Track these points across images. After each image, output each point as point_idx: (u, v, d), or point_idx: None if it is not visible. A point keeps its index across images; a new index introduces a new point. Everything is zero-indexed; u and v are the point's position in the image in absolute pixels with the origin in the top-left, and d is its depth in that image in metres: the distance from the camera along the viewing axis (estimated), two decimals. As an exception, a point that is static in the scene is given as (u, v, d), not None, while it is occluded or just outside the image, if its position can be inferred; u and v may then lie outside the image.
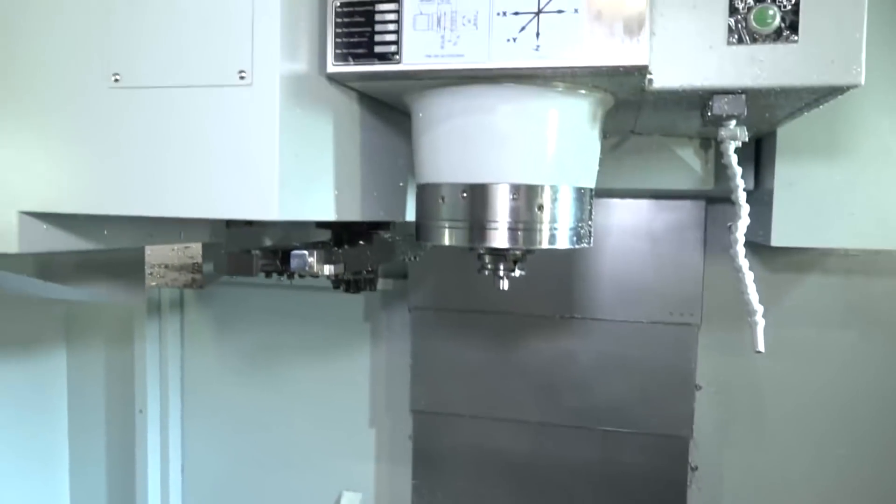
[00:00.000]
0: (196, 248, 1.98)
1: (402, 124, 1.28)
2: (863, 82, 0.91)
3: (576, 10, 0.88)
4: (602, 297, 1.91)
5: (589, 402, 1.93)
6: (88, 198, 0.94)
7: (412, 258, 1.51)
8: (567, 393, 1.95)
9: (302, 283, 2.16)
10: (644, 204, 1.86)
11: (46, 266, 1.28)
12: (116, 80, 0.92)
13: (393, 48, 0.93)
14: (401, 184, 1.33)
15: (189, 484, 2.42)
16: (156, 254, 1.93)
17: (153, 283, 1.89)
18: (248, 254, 1.04)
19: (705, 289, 1.86)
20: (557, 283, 1.92)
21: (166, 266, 1.94)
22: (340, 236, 1.35)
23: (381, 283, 2.11)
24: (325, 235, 1.46)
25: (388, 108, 1.22)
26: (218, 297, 2.30)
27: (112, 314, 2.33)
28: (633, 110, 1.21)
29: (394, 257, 1.40)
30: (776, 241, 1.46)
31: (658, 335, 1.88)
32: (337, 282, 1.35)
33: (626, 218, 1.88)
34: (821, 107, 1.09)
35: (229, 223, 1.50)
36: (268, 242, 1.98)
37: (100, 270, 1.42)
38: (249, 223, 1.53)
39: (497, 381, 1.99)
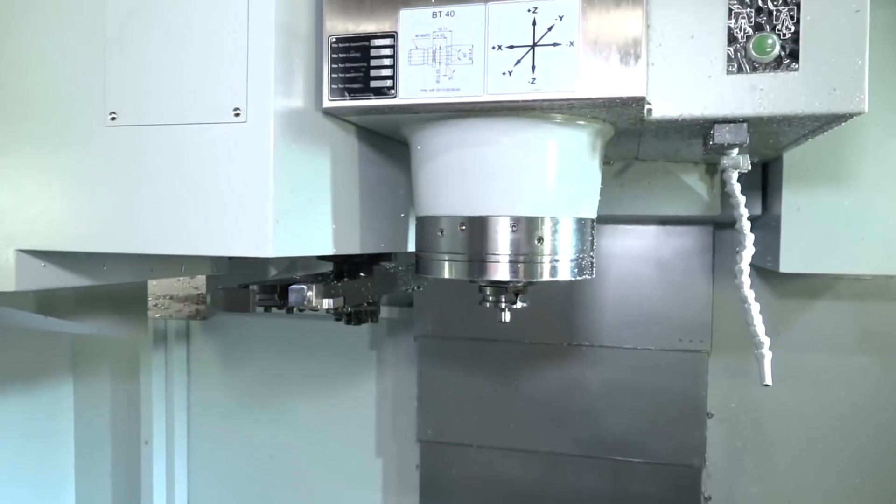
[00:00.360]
0: (201, 279, 1.98)
1: (402, 155, 1.27)
2: (866, 109, 0.90)
3: (571, 43, 0.87)
4: (610, 324, 1.88)
5: (598, 431, 1.90)
6: (85, 236, 0.93)
7: (415, 288, 1.49)
8: (576, 422, 1.92)
9: (307, 314, 2.16)
10: (651, 230, 1.84)
11: (47, 301, 1.28)
12: (113, 119, 0.93)
13: (389, 83, 0.93)
14: (402, 215, 1.32)
15: (195, 517, 2.40)
16: (160, 285, 1.93)
17: (158, 315, 1.89)
18: (244, 289, 1.03)
19: (715, 314, 1.83)
20: (565, 310, 1.90)
21: (171, 297, 1.94)
22: (342, 268, 1.34)
23: (386, 312, 2.10)
24: (330, 266, 1.45)
25: (388, 140, 1.21)
26: (223, 327, 2.29)
27: (118, 346, 2.33)
28: (635, 138, 1.20)
29: (396, 288, 1.39)
30: (785, 267, 1.43)
31: (667, 362, 1.85)
32: (338, 314, 1.33)
33: (634, 244, 1.86)
34: (826, 132, 1.08)
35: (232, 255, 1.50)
36: (273, 273, 1.98)
37: (101, 303, 1.41)
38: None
39: (505, 410, 1.97)
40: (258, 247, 0.87)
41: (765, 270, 1.65)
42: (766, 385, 0.99)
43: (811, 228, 1.43)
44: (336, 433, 2.22)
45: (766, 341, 1.00)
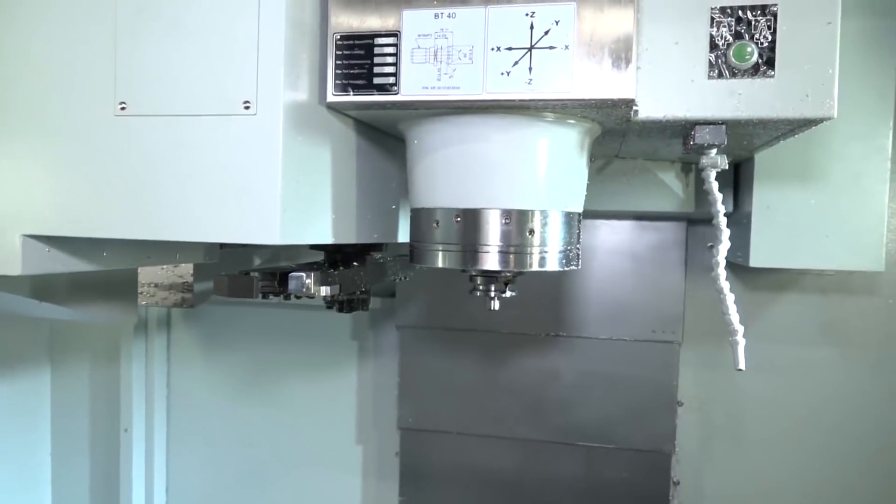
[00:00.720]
0: (185, 267, 2.00)
1: (396, 150, 1.32)
2: (835, 115, 0.97)
3: (566, 47, 0.92)
4: (587, 316, 1.95)
5: (574, 419, 1.97)
6: (96, 222, 0.96)
7: (403, 278, 1.54)
8: (552, 410, 1.98)
9: (289, 303, 2.18)
10: (627, 225, 1.91)
11: (42, 286, 1.30)
12: (123, 109, 0.95)
13: (391, 80, 0.97)
14: (393, 206, 1.37)
15: (174, 502, 2.42)
16: (145, 273, 1.94)
17: (143, 303, 1.90)
18: (247, 276, 1.06)
19: (686, 307, 1.91)
20: (543, 302, 1.96)
21: (155, 285, 1.96)
22: (334, 257, 1.38)
23: (379, 302, 2.14)
24: (315, 256, 1.49)
25: (382, 135, 1.26)
26: (205, 316, 2.31)
27: (97, 332, 2.33)
28: (619, 137, 1.26)
29: (385, 278, 1.44)
30: (755, 262, 1.51)
31: (641, 353, 1.92)
32: (331, 302, 1.37)
33: (610, 238, 1.92)
34: (797, 135, 1.15)
35: (223, 244, 1.53)
36: (256, 262, 2.01)
37: (93, 290, 1.43)
38: (244, 244, 1.55)
39: (484, 399, 2.02)
40: (267, 234, 0.91)
41: (735, 265, 1.73)
42: (740, 370, 1.06)
43: (779, 225, 1.51)
44: (317, 421, 2.26)
45: (741, 329, 1.07)
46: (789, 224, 1.51)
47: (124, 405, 2.29)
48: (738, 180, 1.67)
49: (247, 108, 0.91)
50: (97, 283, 1.44)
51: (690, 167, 1.67)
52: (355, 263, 1.30)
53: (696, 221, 1.89)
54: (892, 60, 1.47)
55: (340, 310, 1.37)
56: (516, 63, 0.93)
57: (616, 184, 1.67)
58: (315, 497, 2.28)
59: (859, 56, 1.40)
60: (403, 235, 1.39)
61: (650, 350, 1.92)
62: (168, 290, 1.91)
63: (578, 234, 1.14)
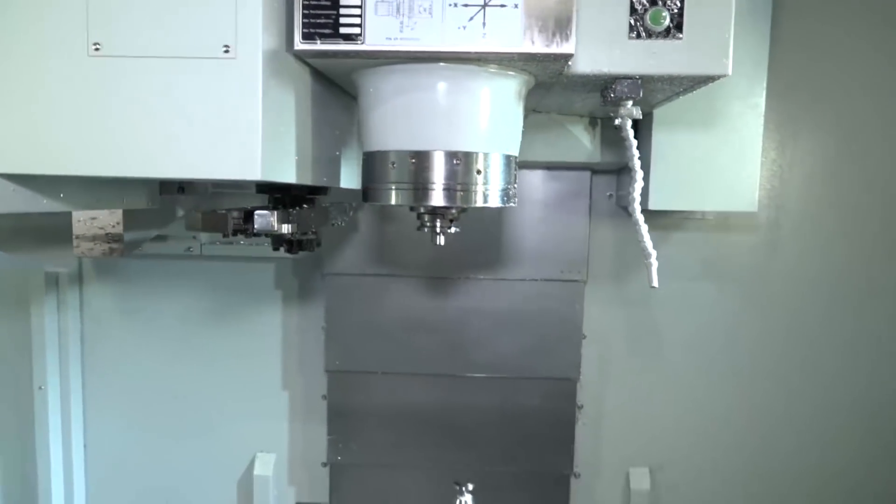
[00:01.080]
0: (106, 219, 1.98)
1: (341, 98, 1.41)
2: (730, 72, 1.17)
3: (515, 6, 1.05)
4: (501, 259, 2.12)
5: (490, 354, 2.15)
6: (75, 159, 1.00)
7: (340, 223, 1.63)
8: (470, 346, 2.16)
9: (209, 253, 2.22)
10: (539, 174, 2.09)
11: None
12: (97, 49, 0.99)
13: (357, 30, 1.06)
14: (336, 153, 1.46)
15: (93, 461, 2.40)
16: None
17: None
18: (222, 213, 1.13)
19: (591, 249, 2.13)
20: (461, 247, 2.10)
21: (77, 237, 1.93)
22: (278, 201, 1.45)
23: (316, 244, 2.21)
24: (250, 202, 1.55)
25: (330, 84, 1.34)
26: (119, 270, 2.29)
27: (5, 285, 2.25)
28: (544, 91, 1.41)
29: (329, 222, 1.53)
30: (653, 205, 1.73)
31: (550, 291, 2.13)
32: (278, 242, 1.45)
33: (523, 187, 2.09)
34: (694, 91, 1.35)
35: (162, 190, 1.56)
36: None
37: (32, 236, 1.43)
38: (181, 189, 1.59)
39: (407, 340, 2.16)
40: (249, 170, 0.99)
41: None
42: (654, 287, 1.26)
43: (672, 173, 1.74)
44: (242, 369, 2.31)
45: (653, 253, 1.27)
46: (680, 172, 1.74)
47: (37, 362, 2.24)
48: (637, 132, 1.87)
49: (226, 51, 0.98)
50: (34, 230, 1.44)
51: (597, 122, 1.86)
52: (304, 206, 1.38)
53: (599, 172, 2.09)
54: (765, 30, 1.72)
55: (289, 250, 1.44)
56: (472, 18, 1.05)
57: (531, 136, 1.83)
58: (243, 444, 2.34)
59: (739, 25, 1.61)
60: (345, 181, 1.49)
61: (558, 289, 2.13)
62: (92, 241, 1.89)
63: (515, 176, 1.29)
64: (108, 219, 1.95)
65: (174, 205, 2.03)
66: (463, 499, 1.01)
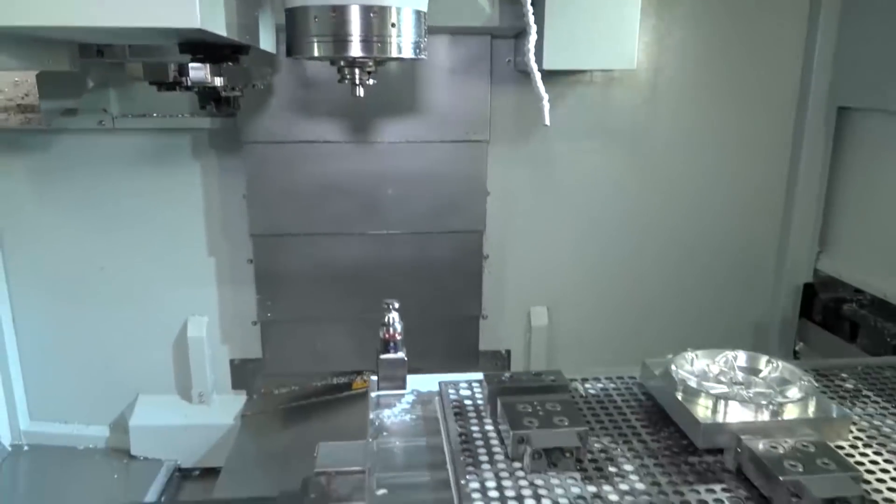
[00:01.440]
0: (14, 91, 1.99)
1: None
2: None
3: None
4: (411, 124, 2.28)
5: (403, 212, 2.35)
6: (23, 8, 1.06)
7: (261, 85, 1.73)
8: (385, 206, 2.34)
9: (123, 126, 2.25)
10: (444, 41, 2.22)
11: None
12: None
13: None
14: (256, 14, 1.54)
15: (24, 337, 2.47)
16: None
17: (-18, 125, 1.88)
18: (162, 64, 1.22)
19: (493, 113, 2.31)
20: (371, 113, 2.25)
21: (-13, 108, 1.93)
22: (202, 60, 1.53)
23: (208, 122, 2.28)
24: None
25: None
26: (33, 145, 2.28)
27: None
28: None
29: (251, 82, 1.63)
30: (547, 65, 1.91)
31: (456, 152, 2.32)
32: (206, 99, 1.54)
33: (429, 53, 2.22)
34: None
35: (82, 53, 1.59)
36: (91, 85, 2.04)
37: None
38: (101, 53, 1.63)
39: (326, 203, 2.32)
40: (187, 17, 1.09)
41: (524, 72, 2.12)
42: (546, 125, 1.47)
43: (563, 35, 1.92)
44: (167, 239, 2.41)
45: (546, 96, 1.47)
46: (570, 32, 1.92)
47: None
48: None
49: None
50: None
51: (496, -14, 1.99)
52: (230, 63, 1.48)
53: (498, 37, 2.25)
54: None
55: (217, 107, 1.54)
56: None
57: (433, 2, 1.95)
58: (175, 310, 2.48)
59: None
60: (263, 43, 1.58)
61: (463, 149, 2.32)
62: (5, 112, 1.89)
63: (425, 31, 1.44)
64: (16, 91, 1.96)
65: (86, 77, 2.05)
66: (391, 315, 1.23)
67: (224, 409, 2.54)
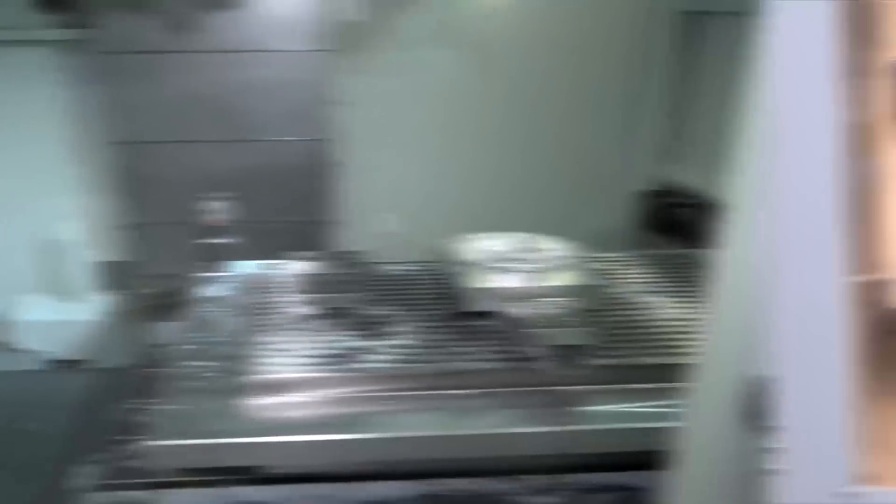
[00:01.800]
0: None
1: None
2: None
3: None
4: (263, 35, 2.43)
5: (259, 121, 2.52)
6: None
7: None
8: (241, 115, 2.51)
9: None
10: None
11: None
12: None
13: None
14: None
15: None
16: None
17: None
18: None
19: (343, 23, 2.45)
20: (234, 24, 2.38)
21: None
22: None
23: (58, 34, 2.34)
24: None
25: None
26: None
27: None
28: None
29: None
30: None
31: (308, 62, 2.47)
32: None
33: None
34: None
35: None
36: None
37: None
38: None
39: (185, 112, 2.47)
40: None
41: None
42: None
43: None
44: (27, 151, 2.52)
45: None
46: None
47: None
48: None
49: None
50: None
51: None
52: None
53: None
54: None
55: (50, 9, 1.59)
56: None
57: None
58: (42, 218, 2.59)
59: None
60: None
61: (315, 59, 2.47)
62: None
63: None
64: None
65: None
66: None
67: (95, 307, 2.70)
